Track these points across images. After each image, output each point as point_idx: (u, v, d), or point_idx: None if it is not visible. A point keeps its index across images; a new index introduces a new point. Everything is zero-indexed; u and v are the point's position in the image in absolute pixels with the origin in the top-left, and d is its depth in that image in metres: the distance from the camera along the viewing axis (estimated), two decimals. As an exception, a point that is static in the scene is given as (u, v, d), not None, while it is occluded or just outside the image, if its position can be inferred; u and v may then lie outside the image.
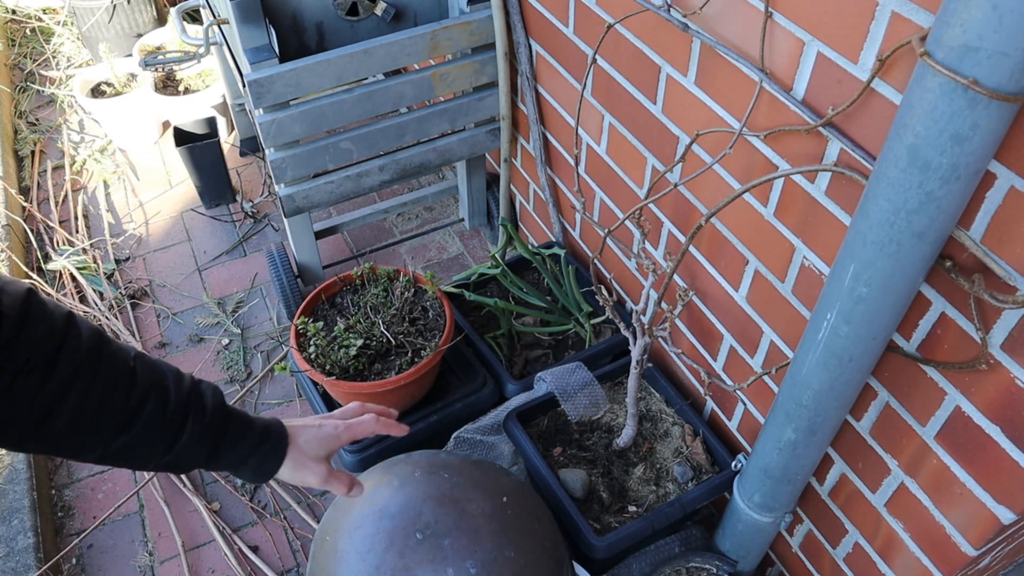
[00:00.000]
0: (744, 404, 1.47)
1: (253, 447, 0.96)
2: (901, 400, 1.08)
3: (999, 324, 0.89)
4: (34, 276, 2.31)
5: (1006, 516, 0.99)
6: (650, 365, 1.64)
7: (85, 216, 2.54)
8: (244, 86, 1.66)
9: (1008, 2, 0.63)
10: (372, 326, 1.59)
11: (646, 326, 1.38)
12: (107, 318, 2.19)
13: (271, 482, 1.85)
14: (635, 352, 1.41)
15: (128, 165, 2.76)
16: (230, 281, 2.33)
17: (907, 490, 1.13)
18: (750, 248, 1.28)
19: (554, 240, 1.99)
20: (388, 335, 1.58)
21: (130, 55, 3.02)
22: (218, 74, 2.73)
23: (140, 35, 3.08)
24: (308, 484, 1.02)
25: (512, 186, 2.17)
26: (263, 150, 1.85)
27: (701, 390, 1.59)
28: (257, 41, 1.66)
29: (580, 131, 1.68)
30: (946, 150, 0.75)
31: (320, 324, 1.57)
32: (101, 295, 2.27)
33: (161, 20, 3.22)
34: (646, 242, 1.58)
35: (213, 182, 2.50)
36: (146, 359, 0.88)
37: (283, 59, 1.68)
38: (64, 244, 2.42)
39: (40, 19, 3.42)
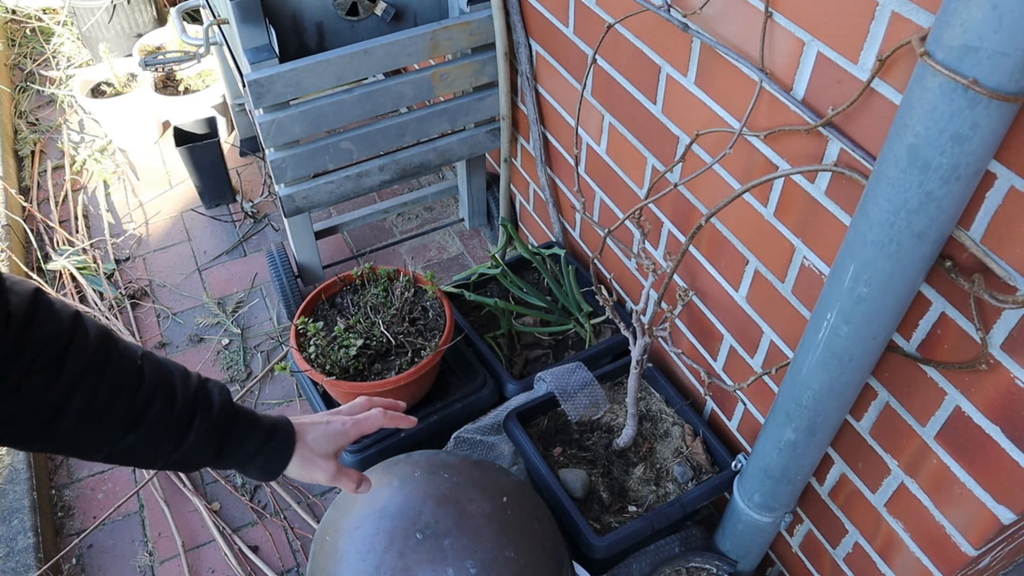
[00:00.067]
0: (744, 404, 1.47)
1: (260, 445, 0.96)
2: (901, 400, 1.08)
3: (999, 324, 0.89)
4: (34, 276, 2.31)
5: (1006, 516, 0.99)
6: (650, 365, 1.64)
7: (85, 216, 2.55)
8: (244, 86, 1.66)
9: (1008, 2, 0.63)
10: (372, 326, 1.59)
11: (646, 326, 1.38)
12: (107, 318, 2.19)
13: (272, 482, 1.85)
14: (635, 352, 1.41)
15: (128, 165, 2.76)
16: (230, 281, 2.33)
17: (907, 490, 1.13)
18: (750, 248, 1.28)
19: (554, 240, 1.99)
20: (388, 335, 1.58)
21: (130, 55, 3.02)
22: (218, 74, 2.73)
23: (140, 35, 3.08)
24: (317, 481, 1.02)
25: (512, 186, 2.17)
26: (263, 150, 1.85)
27: (701, 390, 1.59)
28: (257, 41, 1.66)
29: (580, 131, 1.68)
30: (946, 150, 0.75)
31: (320, 324, 1.57)
32: (101, 295, 2.27)
33: (161, 20, 3.22)
34: (646, 242, 1.58)
35: (213, 182, 2.50)
36: (153, 358, 0.88)
37: (283, 59, 1.68)
38: (64, 244, 2.42)
39: (40, 19, 3.42)
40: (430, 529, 1.18)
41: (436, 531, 1.18)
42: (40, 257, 2.39)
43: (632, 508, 1.47)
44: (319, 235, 2.09)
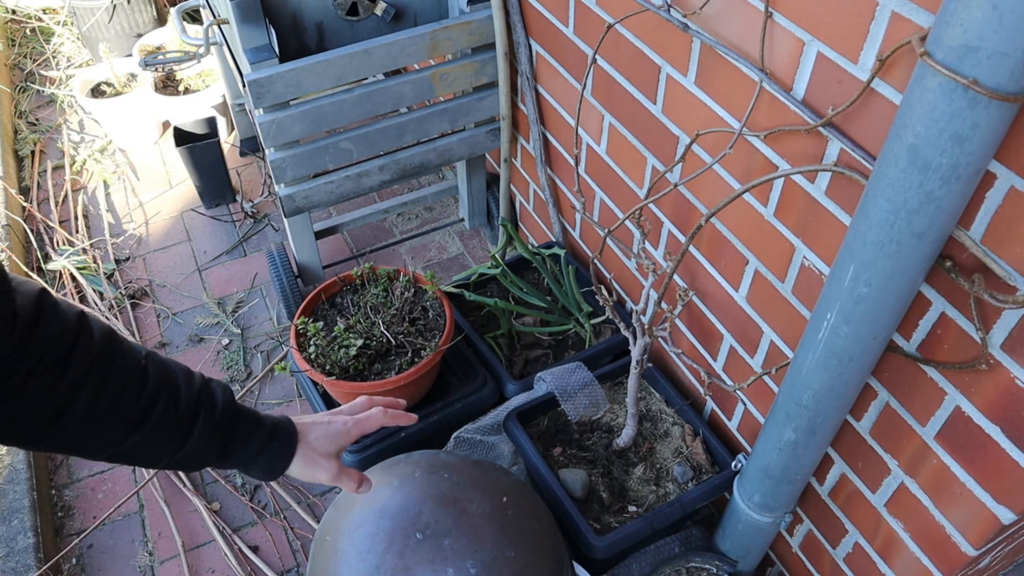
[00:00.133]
0: (744, 404, 1.47)
1: (263, 445, 0.97)
2: (901, 400, 1.08)
3: (999, 324, 0.89)
4: (34, 276, 2.31)
5: (1006, 516, 0.99)
6: (650, 365, 1.64)
7: (85, 216, 2.55)
8: (244, 86, 1.66)
9: (1008, 2, 0.63)
10: (372, 326, 1.59)
11: (646, 326, 1.38)
12: (107, 318, 2.19)
13: (272, 482, 1.85)
14: (635, 352, 1.41)
15: (128, 165, 2.76)
16: (230, 281, 2.33)
17: (907, 490, 1.13)
18: (750, 248, 1.28)
19: (554, 240, 1.99)
20: (388, 335, 1.58)
21: (130, 55, 3.02)
22: (218, 74, 2.73)
23: (140, 35, 3.08)
24: (318, 481, 1.02)
25: (512, 186, 2.17)
26: (263, 150, 1.85)
27: (701, 390, 1.59)
28: (257, 41, 1.66)
29: (580, 131, 1.68)
30: (946, 150, 0.75)
31: (320, 324, 1.57)
32: (101, 295, 2.27)
33: (161, 20, 3.22)
34: (646, 242, 1.58)
35: (213, 182, 2.50)
36: (157, 358, 0.88)
37: (283, 59, 1.68)
38: (64, 244, 2.42)
39: (40, 19, 3.42)
40: (430, 529, 1.18)
41: (436, 531, 1.18)
42: (40, 257, 2.39)
43: (632, 508, 1.47)
44: (319, 235, 2.09)
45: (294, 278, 2.05)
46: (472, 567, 1.15)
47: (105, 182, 2.68)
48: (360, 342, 1.55)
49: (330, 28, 1.80)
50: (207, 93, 2.71)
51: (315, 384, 1.66)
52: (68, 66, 3.22)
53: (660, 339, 1.55)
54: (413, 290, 1.68)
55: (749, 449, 1.51)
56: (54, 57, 3.28)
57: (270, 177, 2.23)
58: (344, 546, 1.20)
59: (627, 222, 1.56)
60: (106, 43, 3.00)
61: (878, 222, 0.84)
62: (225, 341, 2.16)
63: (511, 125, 1.95)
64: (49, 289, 0.82)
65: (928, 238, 0.83)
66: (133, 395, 0.83)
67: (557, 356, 1.79)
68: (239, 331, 2.18)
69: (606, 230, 1.33)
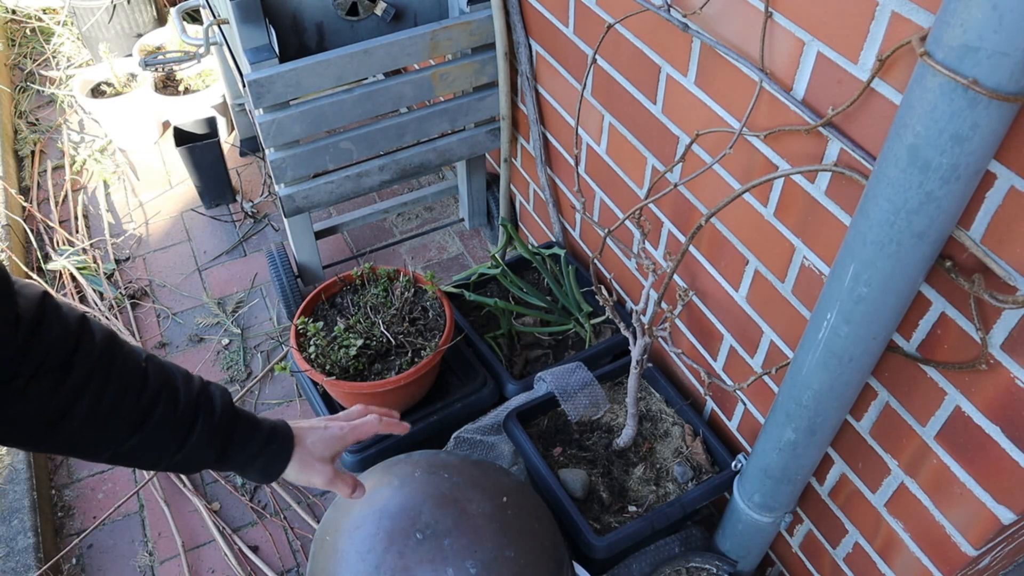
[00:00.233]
0: (744, 404, 1.47)
1: (261, 447, 0.98)
2: (901, 400, 1.08)
3: (999, 324, 0.89)
4: (34, 276, 2.31)
5: (1006, 516, 0.99)
6: (650, 365, 1.64)
7: (85, 216, 2.55)
8: (244, 86, 1.66)
9: (1008, 2, 0.63)
10: (372, 326, 1.59)
11: (646, 326, 1.38)
12: (107, 318, 2.19)
13: (272, 483, 1.85)
14: (635, 352, 1.41)
15: (128, 165, 2.76)
16: (230, 281, 2.33)
17: (907, 490, 1.13)
18: (750, 248, 1.28)
19: (554, 240, 1.99)
20: (388, 335, 1.58)
21: (130, 55, 3.02)
22: (218, 74, 2.73)
23: (140, 35, 3.08)
24: (313, 485, 1.04)
25: (512, 186, 2.17)
26: (263, 150, 1.85)
27: (701, 390, 1.59)
28: (257, 41, 1.66)
29: (580, 131, 1.68)
30: (946, 150, 0.75)
31: (320, 324, 1.57)
32: (101, 295, 2.27)
33: (161, 20, 3.22)
34: (646, 242, 1.58)
35: (213, 182, 2.50)
36: (157, 360, 0.89)
37: (283, 59, 1.68)
38: (64, 244, 2.42)
39: (40, 19, 3.42)
40: (430, 529, 1.18)
41: (436, 531, 1.18)
42: (40, 257, 2.39)
43: (632, 508, 1.47)
44: (319, 235, 2.09)
45: (294, 278, 2.05)
46: (472, 567, 1.15)
47: (105, 182, 2.68)
48: (360, 342, 1.55)
49: (330, 28, 1.80)
50: (207, 93, 2.71)
51: (315, 384, 1.66)
52: (68, 66, 3.22)
53: (660, 339, 1.55)
54: (413, 290, 1.68)
55: (749, 449, 1.51)
56: (54, 57, 3.28)
57: (270, 177, 2.23)
58: (344, 546, 1.20)
59: (627, 222, 1.56)
60: (106, 43, 3.00)
61: (878, 222, 0.84)
62: (225, 341, 2.16)
63: (511, 125, 1.95)
64: (51, 292, 0.82)
65: (928, 238, 0.83)
66: (134, 397, 0.84)
67: (557, 356, 1.79)
68: (239, 331, 2.18)
69: (606, 230, 1.33)
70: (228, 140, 2.83)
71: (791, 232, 1.16)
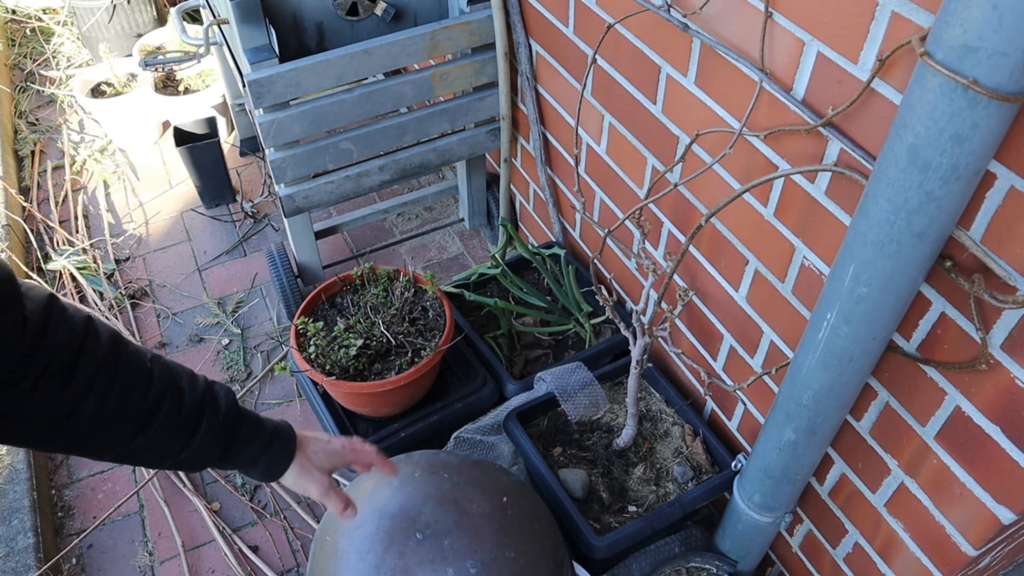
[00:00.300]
0: (744, 404, 1.47)
1: (264, 447, 1.00)
2: (901, 400, 1.08)
3: (999, 324, 0.89)
4: (34, 276, 2.31)
5: (1006, 516, 0.99)
6: (650, 365, 1.64)
7: (85, 216, 2.54)
8: (244, 86, 1.66)
9: (1008, 2, 0.63)
10: (372, 326, 1.59)
11: (646, 326, 1.38)
12: (107, 318, 2.19)
13: (273, 483, 1.85)
14: (635, 352, 1.41)
15: (128, 165, 2.76)
16: (230, 281, 2.33)
17: (907, 490, 1.13)
18: (750, 248, 1.28)
19: (554, 240, 1.99)
20: (388, 335, 1.58)
21: (130, 55, 3.02)
22: (218, 74, 2.73)
23: (140, 35, 3.08)
24: (308, 493, 1.06)
25: (512, 186, 2.17)
26: (263, 150, 1.85)
27: (701, 390, 1.59)
28: (257, 41, 1.66)
29: (580, 131, 1.68)
30: (946, 150, 0.75)
31: (320, 324, 1.57)
32: (101, 295, 2.27)
33: (161, 20, 3.22)
34: (646, 242, 1.58)
35: (213, 182, 2.50)
36: (162, 361, 0.90)
37: (283, 59, 1.68)
38: (64, 244, 2.42)
39: (40, 19, 3.42)
40: (430, 529, 1.18)
41: (436, 531, 1.18)
42: (40, 257, 2.39)
43: (632, 508, 1.47)
44: (319, 235, 2.09)
45: (294, 278, 2.05)
46: (472, 567, 1.15)
47: (105, 182, 2.68)
48: (360, 342, 1.55)
49: (330, 28, 1.80)
50: (207, 93, 2.71)
51: (315, 384, 1.66)
52: (68, 66, 3.22)
53: (660, 339, 1.55)
54: (413, 290, 1.68)
55: (749, 449, 1.51)
56: (54, 57, 3.28)
57: (270, 177, 2.23)
58: (344, 546, 1.20)
59: (627, 222, 1.56)
60: (106, 43, 3.00)
61: (878, 222, 0.84)
62: (225, 341, 2.16)
63: (511, 125, 1.95)
64: (57, 295, 0.83)
65: (928, 238, 0.83)
66: (139, 397, 0.85)
67: (557, 356, 1.79)
68: (239, 331, 2.18)
69: (606, 230, 1.33)
70: (228, 140, 2.83)
71: (791, 232, 1.16)
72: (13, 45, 3.34)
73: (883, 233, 0.84)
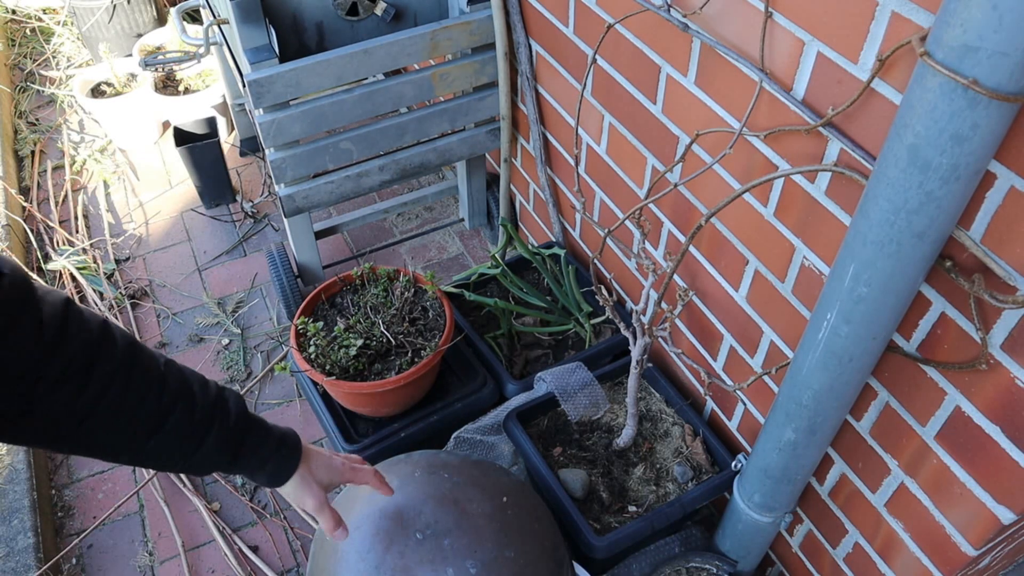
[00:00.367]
0: (744, 404, 1.47)
1: (271, 453, 1.01)
2: (901, 400, 1.08)
3: (999, 324, 0.89)
4: (34, 276, 2.31)
5: (1006, 516, 0.99)
6: (650, 365, 1.64)
7: (85, 216, 2.55)
8: (244, 86, 1.66)
9: (1008, 2, 0.63)
10: (372, 326, 1.59)
11: (646, 326, 1.38)
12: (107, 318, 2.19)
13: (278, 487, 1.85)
14: (635, 352, 1.41)
15: (128, 165, 2.76)
16: (230, 281, 2.33)
17: (907, 490, 1.13)
18: (750, 248, 1.28)
19: (554, 240, 1.99)
20: (388, 335, 1.58)
21: (130, 55, 3.02)
22: (218, 74, 2.73)
23: (140, 35, 3.08)
24: (304, 506, 1.07)
25: (512, 186, 2.17)
26: (263, 150, 1.85)
27: (701, 390, 1.59)
28: (257, 41, 1.66)
29: (580, 131, 1.68)
30: (946, 150, 0.75)
31: (320, 324, 1.57)
32: (101, 295, 2.27)
33: (161, 20, 3.22)
34: (646, 242, 1.58)
35: (213, 182, 2.50)
36: (174, 366, 0.91)
37: (283, 59, 1.68)
38: (64, 244, 2.42)
39: (40, 19, 3.42)
40: (430, 529, 1.18)
41: (436, 531, 1.18)
42: (40, 257, 2.39)
43: (632, 508, 1.47)
44: (319, 235, 2.09)
45: (294, 278, 2.05)
46: (472, 567, 1.15)
47: (105, 182, 2.68)
48: (360, 342, 1.55)
49: (330, 28, 1.80)
50: (207, 93, 2.71)
51: (315, 384, 1.66)
52: (68, 66, 3.22)
53: (660, 339, 1.55)
54: (413, 290, 1.68)
55: (749, 449, 1.51)
56: (54, 57, 3.28)
57: (270, 177, 2.23)
58: (344, 546, 1.20)
59: (627, 222, 1.56)
60: (106, 43, 3.00)
61: (878, 222, 0.84)
62: (225, 341, 2.16)
63: (511, 125, 1.95)
64: (73, 298, 0.83)
65: (928, 238, 0.83)
66: (153, 402, 0.86)
67: (557, 356, 1.79)
68: (239, 331, 2.18)
69: (606, 230, 1.33)
70: (228, 140, 2.83)
71: (791, 232, 1.16)
72: (13, 45, 3.34)
73: (883, 233, 0.84)
